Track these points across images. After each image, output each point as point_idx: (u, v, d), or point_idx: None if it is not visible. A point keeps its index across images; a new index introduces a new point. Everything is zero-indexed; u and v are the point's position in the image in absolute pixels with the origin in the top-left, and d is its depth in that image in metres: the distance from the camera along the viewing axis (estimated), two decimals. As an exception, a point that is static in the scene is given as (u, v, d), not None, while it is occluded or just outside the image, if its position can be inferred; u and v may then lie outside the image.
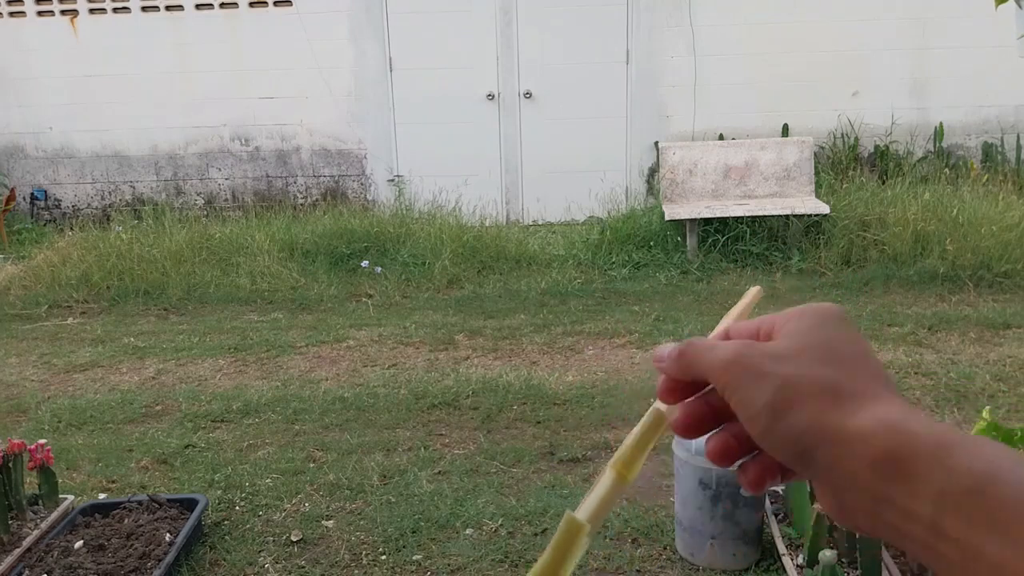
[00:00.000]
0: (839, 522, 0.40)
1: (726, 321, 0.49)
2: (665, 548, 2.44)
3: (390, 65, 7.02)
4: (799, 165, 5.93)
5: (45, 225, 7.34)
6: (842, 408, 0.38)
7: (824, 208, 5.47)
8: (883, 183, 6.18)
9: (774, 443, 0.39)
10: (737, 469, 0.43)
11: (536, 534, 2.52)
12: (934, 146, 6.87)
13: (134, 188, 7.39)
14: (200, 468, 3.02)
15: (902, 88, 6.80)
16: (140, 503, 2.56)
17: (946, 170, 6.31)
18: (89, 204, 7.45)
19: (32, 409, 3.66)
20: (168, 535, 2.40)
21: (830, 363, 0.40)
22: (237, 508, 2.75)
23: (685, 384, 0.44)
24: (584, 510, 0.42)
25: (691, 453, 2.27)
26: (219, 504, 2.77)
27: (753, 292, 0.52)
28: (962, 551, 0.33)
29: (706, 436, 0.44)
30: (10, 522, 2.50)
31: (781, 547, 2.27)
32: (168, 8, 6.99)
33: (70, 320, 5.05)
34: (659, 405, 0.46)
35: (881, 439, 0.36)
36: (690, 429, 0.44)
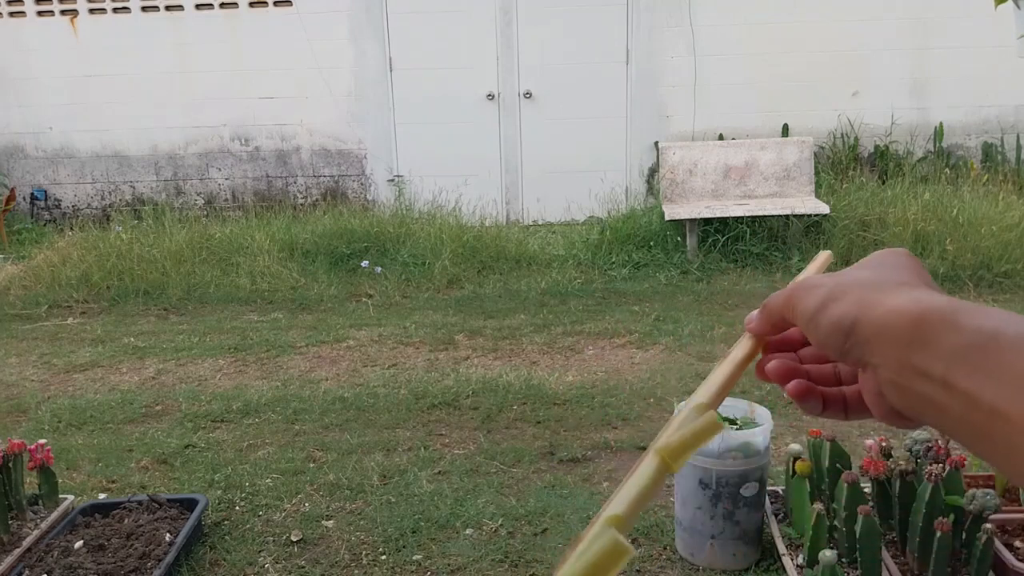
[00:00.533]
0: (879, 413, 0.43)
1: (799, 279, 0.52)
2: (665, 548, 2.44)
3: (390, 65, 7.02)
4: (799, 165, 5.93)
5: (45, 225, 7.34)
6: (881, 294, 0.41)
7: (824, 208, 5.47)
8: (883, 183, 6.18)
9: (823, 332, 0.43)
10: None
11: (536, 534, 2.51)
12: (934, 146, 6.87)
13: (134, 188, 7.39)
14: (200, 468, 3.02)
15: (902, 88, 6.80)
16: (140, 503, 2.56)
17: (946, 170, 6.31)
18: (89, 204, 7.46)
19: (32, 409, 3.66)
20: (168, 535, 2.40)
21: (877, 270, 0.45)
22: (237, 508, 2.75)
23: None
24: (620, 501, 0.38)
25: (691, 453, 2.26)
26: (219, 504, 2.77)
27: (823, 256, 0.55)
28: (965, 402, 0.36)
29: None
30: (10, 522, 2.50)
31: (781, 547, 2.27)
32: (168, 8, 6.99)
33: (70, 320, 5.05)
34: (700, 397, 0.45)
35: (909, 310, 0.39)
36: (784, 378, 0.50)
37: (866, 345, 0.41)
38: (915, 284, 0.43)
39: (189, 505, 2.57)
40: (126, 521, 2.47)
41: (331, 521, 2.66)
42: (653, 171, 6.98)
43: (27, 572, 2.29)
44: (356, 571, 2.40)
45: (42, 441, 2.63)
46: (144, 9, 7.00)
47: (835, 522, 2.16)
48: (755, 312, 0.51)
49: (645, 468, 0.40)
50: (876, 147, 6.86)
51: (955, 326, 0.37)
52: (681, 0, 6.74)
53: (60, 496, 2.69)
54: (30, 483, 2.68)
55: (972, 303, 0.39)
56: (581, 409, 3.40)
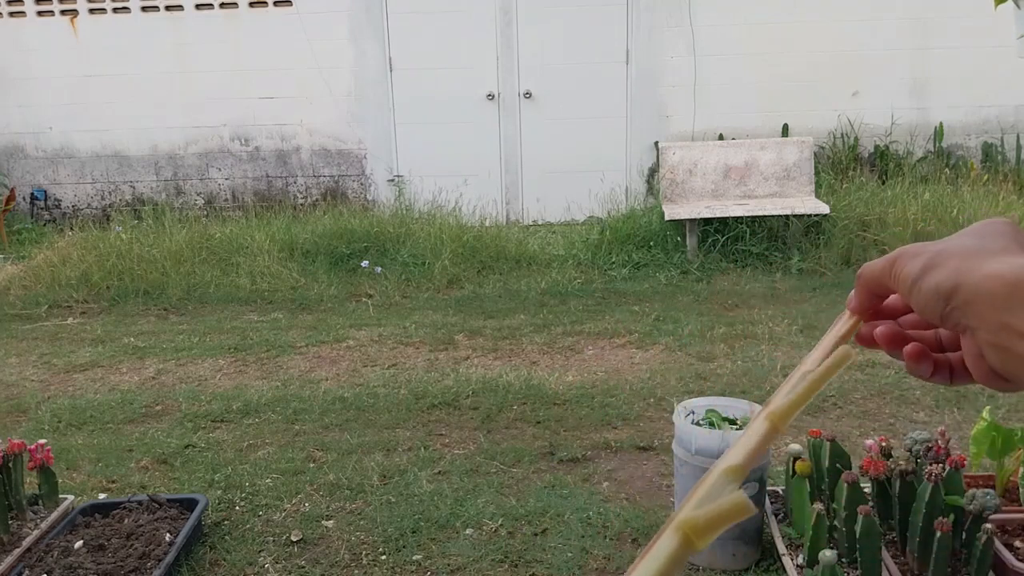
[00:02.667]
0: (979, 375, 0.46)
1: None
2: (665, 548, 2.43)
3: (390, 65, 7.02)
4: (799, 165, 5.93)
5: (45, 225, 7.34)
6: (980, 260, 0.44)
7: (824, 208, 5.47)
8: (883, 183, 6.18)
9: (923, 297, 0.46)
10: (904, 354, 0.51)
11: (536, 534, 2.51)
12: (934, 146, 6.87)
13: (134, 188, 7.39)
14: (200, 468, 3.02)
15: (902, 88, 6.80)
16: (140, 503, 2.56)
17: (946, 170, 6.31)
18: (89, 204, 7.45)
19: (32, 409, 3.66)
20: (168, 535, 2.40)
21: (979, 238, 0.46)
22: (237, 508, 2.75)
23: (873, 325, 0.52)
24: (735, 455, 0.40)
25: (691, 453, 2.27)
26: (219, 504, 2.77)
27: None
28: None
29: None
30: (10, 522, 2.50)
31: (781, 547, 2.27)
32: (168, 8, 6.99)
33: (70, 320, 5.05)
34: (733, 458, 0.42)
35: (1008, 275, 0.42)
36: (890, 342, 0.51)
37: (965, 308, 0.43)
38: (1014, 251, 0.45)
39: (189, 505, 2.57)
40: (126, 521, 2.47)
41: (331, 521, 2.66)
42: (653, 171, 6.98)
43: (27, 572, 2.29)
44: (356, 571, 2.40)
45: (42, 441, 2.63)
46: (144, 9, 7.00)
47: (835, 522, 2.16)
48: (852, 293, 0.52)
49: (664, 544, 0.35)
50: (876, 147, 6.86)
51: None
52: (681, 0, 6.74)
53: (60, 496, 2.69)
54: (30, 483, 2.68)
55: None
56: (581, 409, 3.40)
